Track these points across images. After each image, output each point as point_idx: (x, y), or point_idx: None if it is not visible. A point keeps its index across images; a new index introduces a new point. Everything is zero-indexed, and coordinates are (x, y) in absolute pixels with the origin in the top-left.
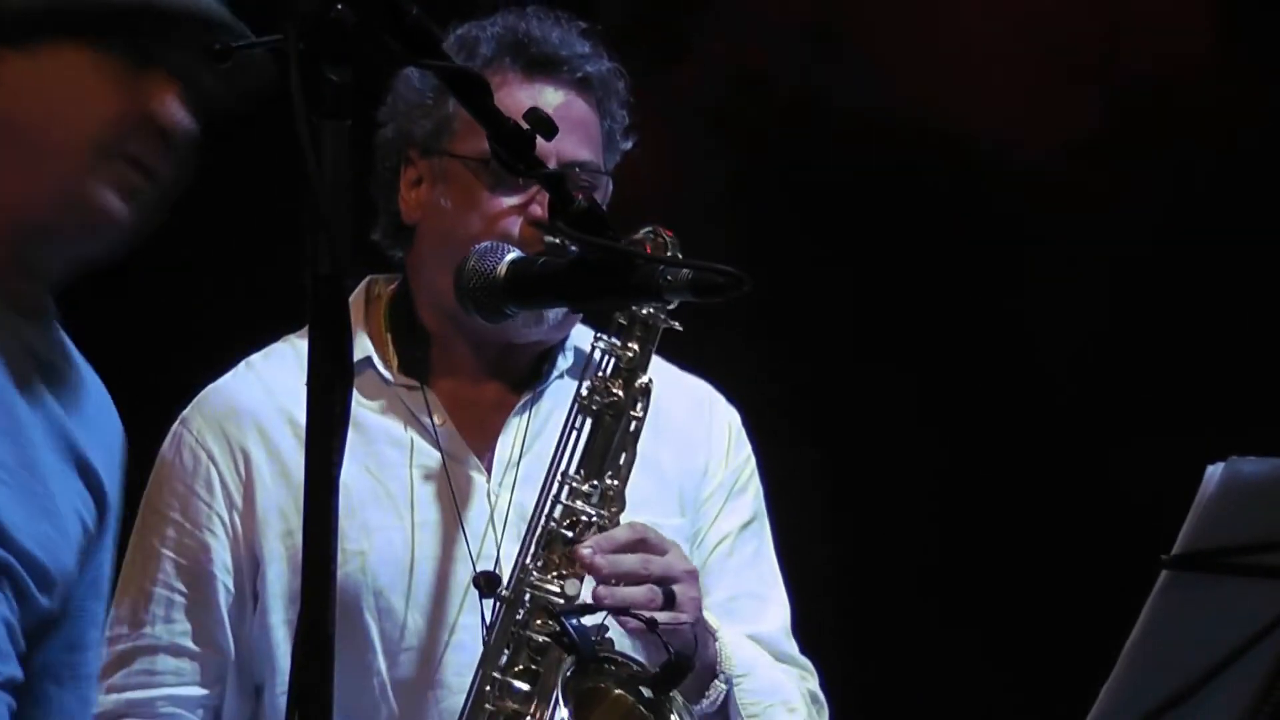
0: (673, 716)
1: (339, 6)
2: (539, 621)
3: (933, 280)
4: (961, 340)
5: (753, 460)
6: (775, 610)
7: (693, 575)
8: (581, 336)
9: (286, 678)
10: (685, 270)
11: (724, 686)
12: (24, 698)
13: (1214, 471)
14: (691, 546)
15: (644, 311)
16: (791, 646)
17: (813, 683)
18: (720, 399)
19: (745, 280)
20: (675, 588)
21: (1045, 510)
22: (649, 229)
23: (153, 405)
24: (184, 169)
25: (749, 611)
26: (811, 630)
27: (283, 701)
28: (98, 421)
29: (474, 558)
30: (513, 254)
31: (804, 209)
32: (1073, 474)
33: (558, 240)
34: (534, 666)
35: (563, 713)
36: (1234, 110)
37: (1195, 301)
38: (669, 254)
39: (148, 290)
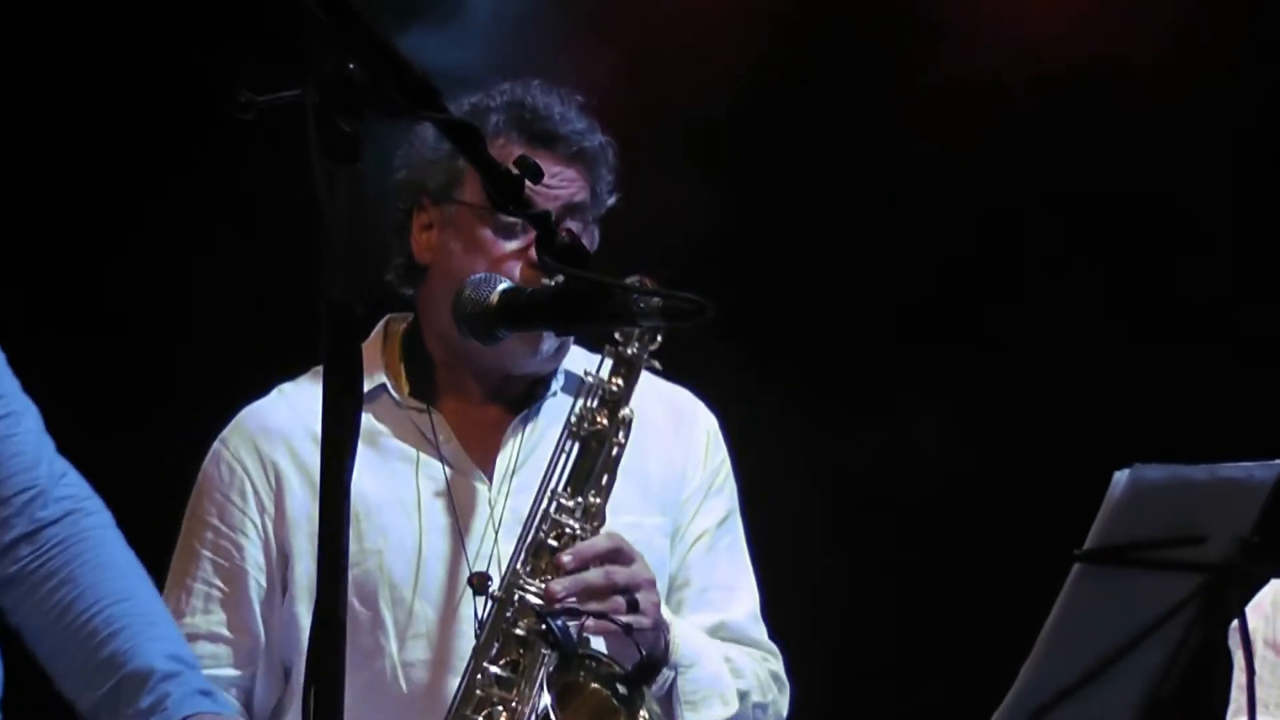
0: (643, 712)
1: (351, 66)
2: (526, 620)
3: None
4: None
5: (728, 462)
6: (744, 598)
7: (652, 583)
8: (572, 360)
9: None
10: (656, 298)
11: (670, 674)
12: None
13: (1120, 477)
14: (672, 542)
15: (629, 352)
16: (759, 631)
17: (775, 664)
18: (700, 406)
19: (709, 307)
20: (638, 595)
21: (980, 508)
22: (635, 278)
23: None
24: None
25: (720, 600)
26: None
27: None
28: None
29: (472, 559)
30: (504, 284)
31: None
32: (995, 472)
33: (553, 281)
34: (519, 659)
35: (545, 700)
36: None
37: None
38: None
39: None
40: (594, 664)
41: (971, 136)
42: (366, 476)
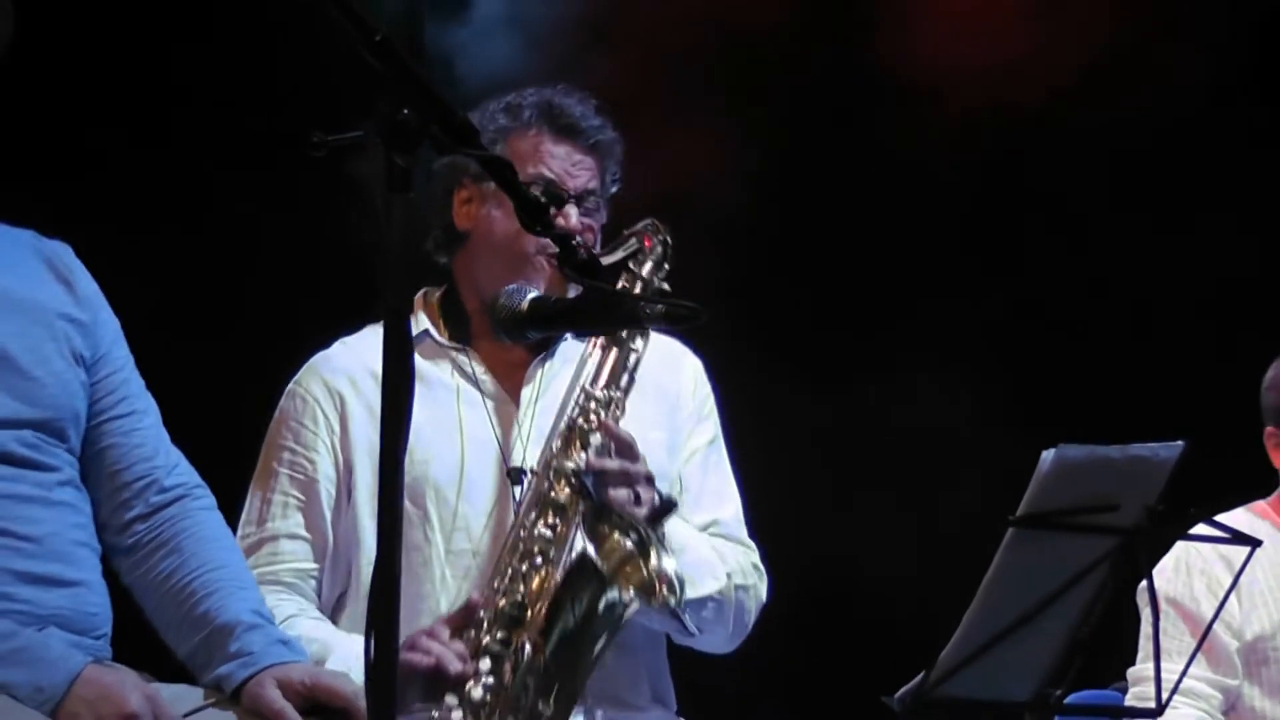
0: (652, 550)
1: (405, 111)
2: (561, 484)
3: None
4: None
5: (712, 396)
6: (730, 504)
7: (651, 480)
8: None
9: (370, 553)
10: (660, 305)
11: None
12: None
13: (1047, 455)
14: (668, 458)
15: (643, 272)
16: (742, 531)
17: (754, 556)
18: (688, 350)
19: (704, 313)
20: (638, 488)
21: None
22: (649, 221)
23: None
24: None
25: (711, 504)
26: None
27: (368, 571)
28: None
29: (507, 461)
30: (533, 293)
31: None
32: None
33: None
34: (555, 521)
35: (581, 543)
36: None
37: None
38: (660, 250)
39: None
40: (618, 518)
41: (954, 137)
42: (415, 410)
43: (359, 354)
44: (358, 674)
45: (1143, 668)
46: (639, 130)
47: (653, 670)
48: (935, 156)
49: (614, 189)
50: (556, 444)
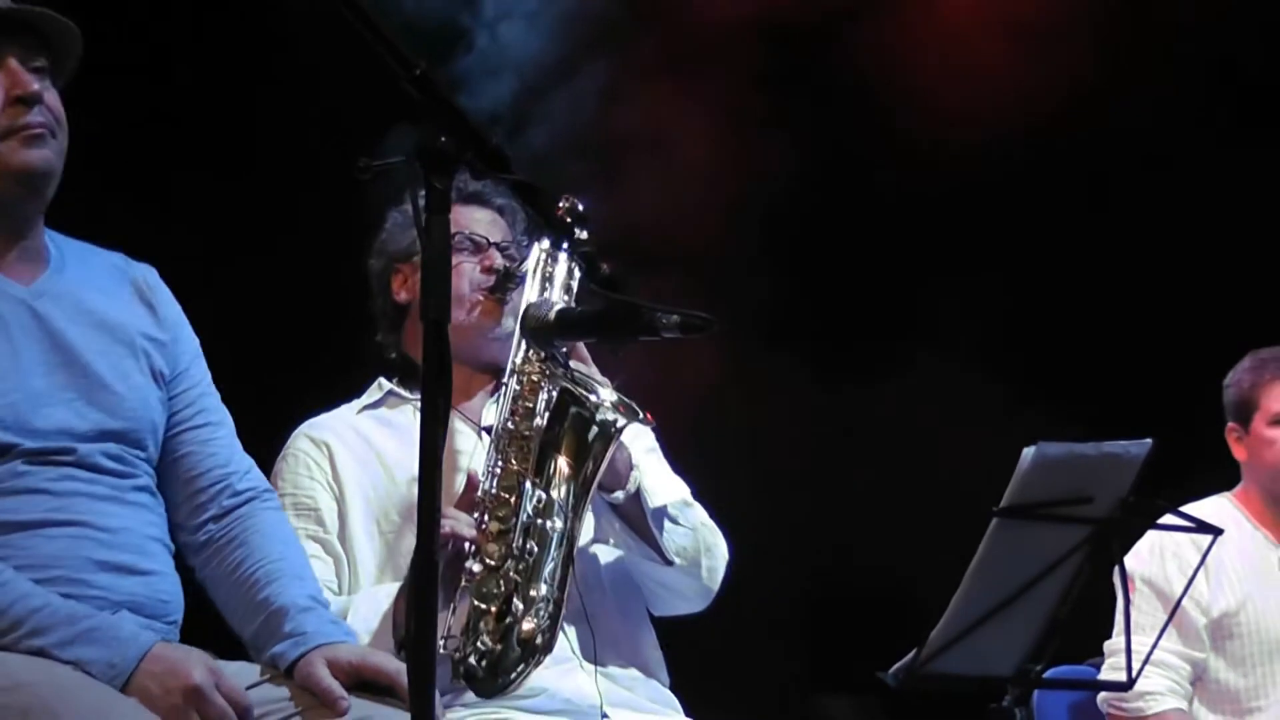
0: (602, 390)
1: (444, 139)
2: (530, 374)
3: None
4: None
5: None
6: (676, 482)
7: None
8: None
9: (368, 565)
10: (675, 315)
11: (639, 476)
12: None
13: (1028, 451)
14: None
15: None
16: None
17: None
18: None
19: (715, 323)
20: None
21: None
22: (565, 197)
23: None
24: (58, 116)
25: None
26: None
27: (365, 582)
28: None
29: (465, 470)
30: (559, 305)
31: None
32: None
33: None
34: (530, 406)
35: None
36: None
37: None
38: (571, 216)
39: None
40: (583, 380)
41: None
42: (391, 446)
43: (340, 416)
44: (376, 614)
45: (1118, 640)
46: (653, 131)
47: (631, 632)
48: (943, 165)
49: (525, 241)
50: (518, 357)
